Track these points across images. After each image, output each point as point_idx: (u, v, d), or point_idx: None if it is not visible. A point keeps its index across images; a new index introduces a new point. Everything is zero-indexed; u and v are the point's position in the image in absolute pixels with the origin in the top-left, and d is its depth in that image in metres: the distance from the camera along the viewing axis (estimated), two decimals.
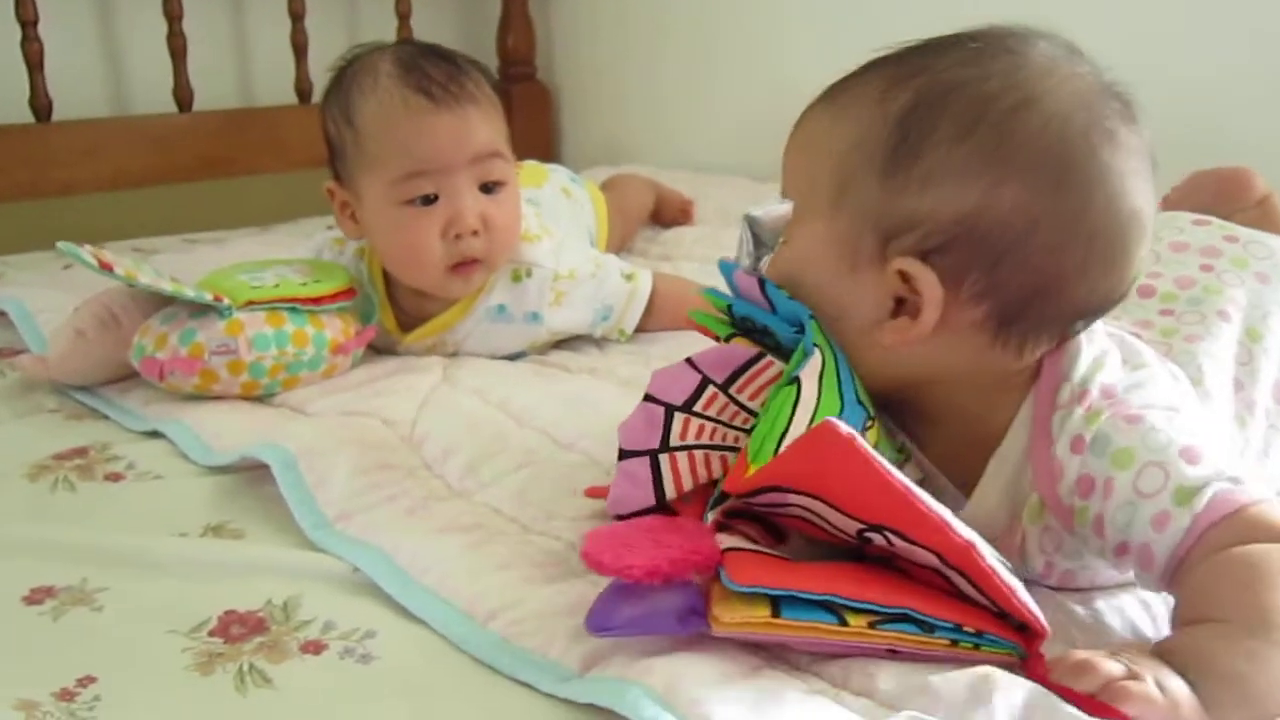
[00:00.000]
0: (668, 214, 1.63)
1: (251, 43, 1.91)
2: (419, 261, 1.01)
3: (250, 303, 0.96)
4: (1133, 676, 0.48)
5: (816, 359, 0.59)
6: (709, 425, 0.64)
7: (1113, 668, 0.49)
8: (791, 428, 0.57)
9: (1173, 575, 0.55)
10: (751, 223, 0.70)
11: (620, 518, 0.65)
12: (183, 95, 1.74)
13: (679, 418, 0.64)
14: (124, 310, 0.99)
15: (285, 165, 1.83)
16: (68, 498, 0.80)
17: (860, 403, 0.61)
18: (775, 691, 0.52)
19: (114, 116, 1.75)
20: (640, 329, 1.13)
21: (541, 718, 0.54)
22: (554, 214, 1.25)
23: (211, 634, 0.62)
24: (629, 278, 1.12)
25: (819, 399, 0.58)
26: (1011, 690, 0.49)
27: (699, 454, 0.64)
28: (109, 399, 0.98)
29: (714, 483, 0.63)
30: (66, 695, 0.57)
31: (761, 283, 0.65)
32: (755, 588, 0.52)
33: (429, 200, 0.99)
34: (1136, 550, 0.57)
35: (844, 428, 0.51)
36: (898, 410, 0.66)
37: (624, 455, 0.64)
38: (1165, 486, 0.56)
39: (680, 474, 0.63)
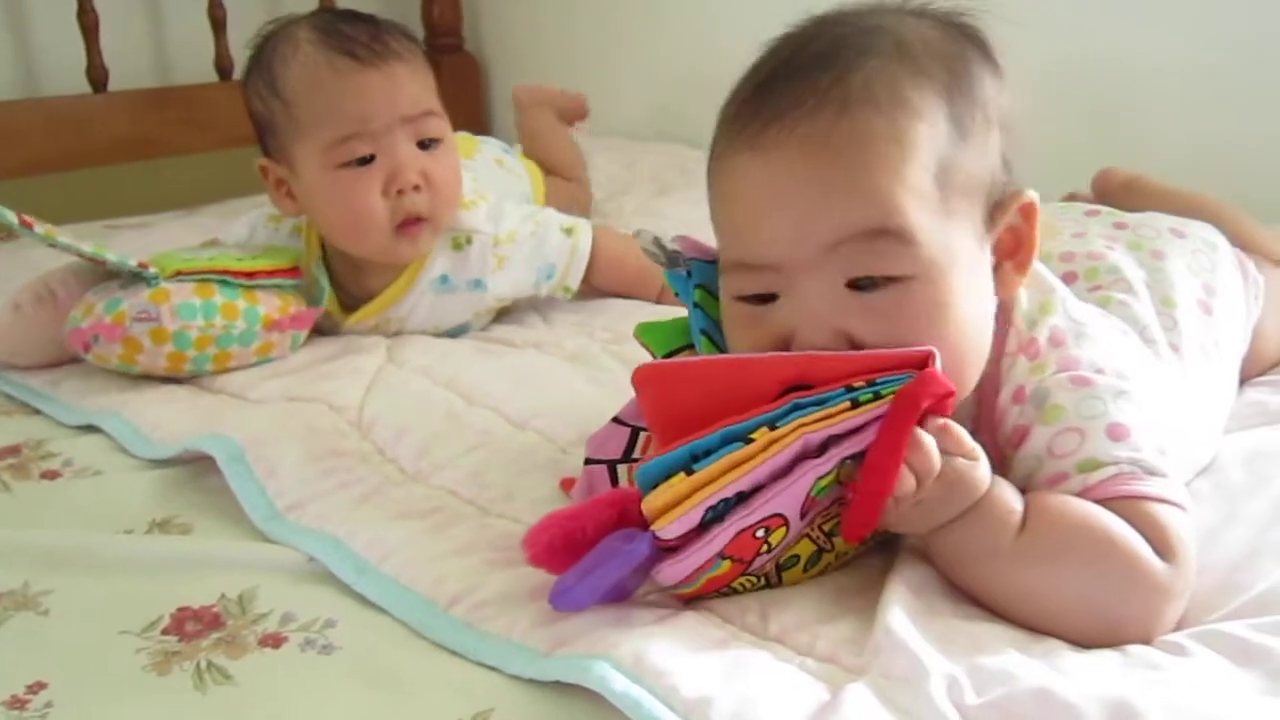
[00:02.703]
0: (564, 118, 1.60)
1: (167, 19, 1.85)
2: (363, 224, 0.99)
3: (179, 273, 0.94)
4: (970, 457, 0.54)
5: None
6: None
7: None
8: None
9: None
10: (644, 244, 0.70)
11: None
12: (97, 75, 1.68)
13: (623, 469, 0.65)
14: (62, 286, 0.97)
15: (208, 144, 1.78)
16: (2, 499, 0.78)
17: None
18: (741, 661, 0.52)
19: (24, 99, 1.69)
20: (590, 289, 1.12)
21: (510, 699, 0.54)
22: (488, 183, 1.24)
23: (165, 632, 0.61)
24: (569, 232, 1.11)
25: None
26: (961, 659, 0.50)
27: None
28: (39, 392, 0.95)
29: None
30: (17, 703, 0.55)
31: (690, 272, 0.66)
32: (656, 460, 0.52)
33: (366, 161, 0.98)
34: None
35: (647, 366, 0.54)
36: None
37: None
38: (1075, 452, 0.57)
39: None
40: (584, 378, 0.93)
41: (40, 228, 0.92)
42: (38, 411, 0.92)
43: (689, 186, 1.62)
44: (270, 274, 0.99)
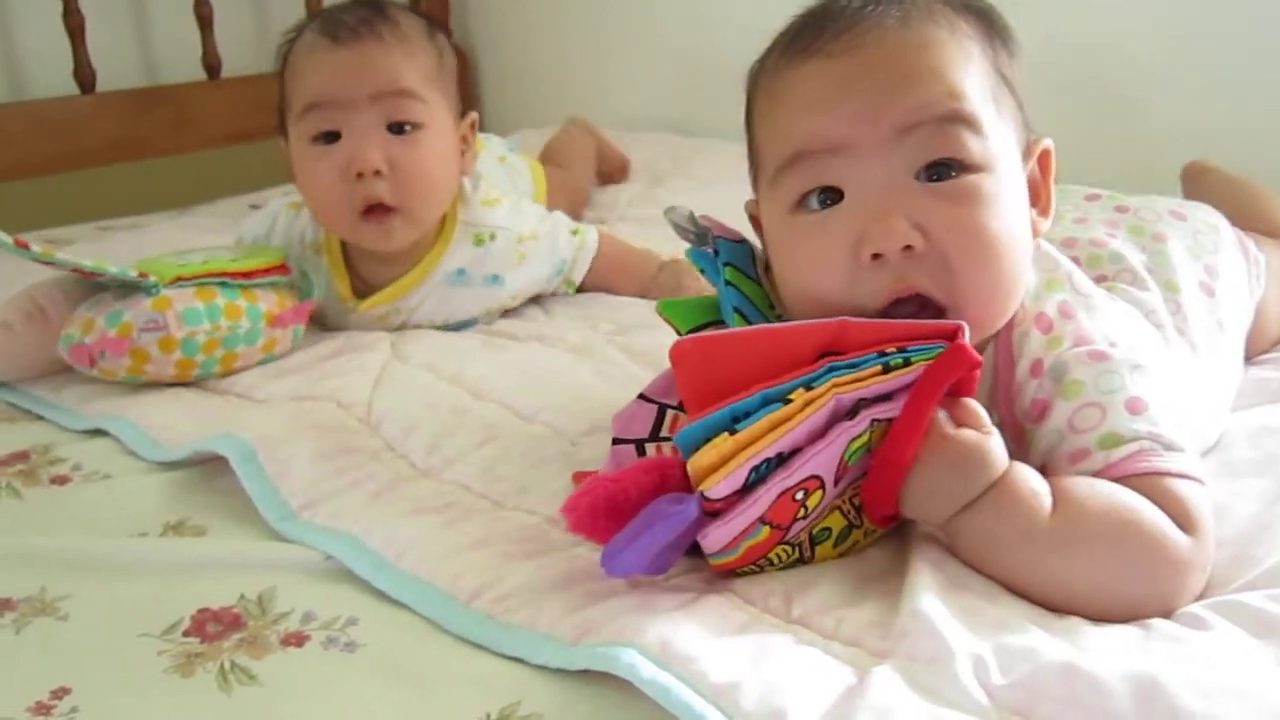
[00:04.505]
0: (605, 169, 1.63)
1: (153, 18, 1.83)
2: (325, 204, 1.00)
3: (178, 279, 0.94)
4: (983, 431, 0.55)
5: None
6: None
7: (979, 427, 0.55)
8: None
9: None
10: (676, 219, 0.71)
11: None
12: (84, 76, 1.67)
13: (650, 448, 0.65)
14: (51, 302, 0.95)
15: (197, 144, 1.78)
16: (13, 505, 0.77)
17: None
18: (767, 645, 0.53)
19: (11, 102, 1.67)
20: (581, 286, 1.14)
21: (537, 691, 0.54)
22: (491, 180, 1.24)
23: (186, 634, 0.61)
24: (575, 233, 1.14)
25: None
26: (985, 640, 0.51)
27: None
28: (42, 398, 0.94)
29: None
30: (42, 709, 0.55)
31: (717, 250, 0.67)
32: (698, 420, 0.53)
33: (331, 138, 0.98)
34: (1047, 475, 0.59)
35: (685, 340, 0.53)
36: None
37: None
38: (1096, 428, 0.58)
39: None
40: (589, 369, 0.93)
41: (37, 246, 0.91)
42: (41, 418, 0.92)
43: (682, 176, 1.62)
44: (265, 271, 0.99)
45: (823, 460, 0.54)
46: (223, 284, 0.95)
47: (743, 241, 0.69)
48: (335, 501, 0.72)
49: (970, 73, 0.60)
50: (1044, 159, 0.65)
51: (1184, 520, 0.54)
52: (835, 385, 0.53)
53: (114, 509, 0.76)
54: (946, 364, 0.53)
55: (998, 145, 0.59)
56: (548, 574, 0.61)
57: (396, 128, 0.98)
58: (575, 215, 1.50)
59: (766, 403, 0.53)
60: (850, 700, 0.48)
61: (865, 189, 0.58)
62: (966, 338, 0.54)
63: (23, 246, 0.90)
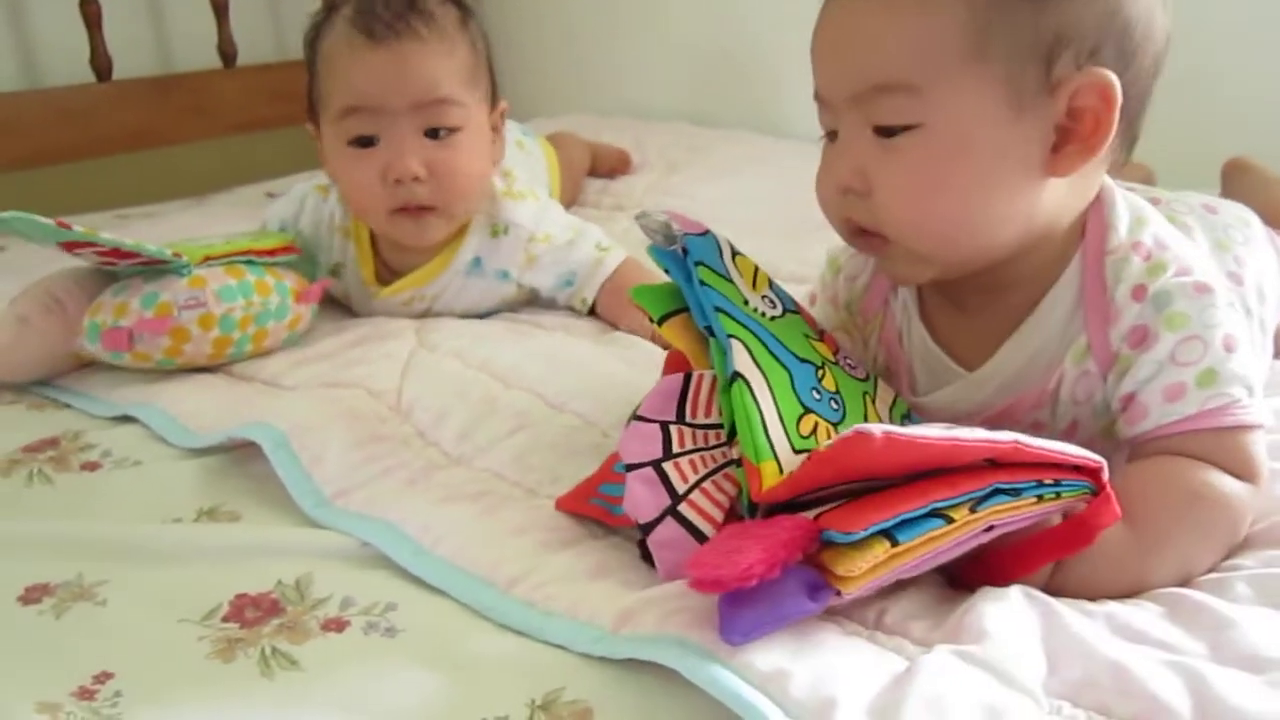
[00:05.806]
0: (605, 166, 1.62)
1: (169, 6, 1.83)
2: (363, 204, 1.01)
3: (207, 259, 0.94)
4: None
5: (738, 346, 0.61)
6: (696, 457, 0.64)
7: None
8: (765, 415, 0.58)
9: (1144, 443, 0.61)
10: (647, 224, 0.70)
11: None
12: (101, 64, 1.67)
13: (669, 465, 0.63)
14: (68, 294, 0.94)
15: (214, 132, 1.78)
16: (45, 491, 0.78)
17: (804, 359, 0.64)
18: (812, 636, 0.53)
19: (27, 90, 1.67)
20: (597, 311, 1.08)
21: (580, 677, 0.54)
22: (516, 164, 1.23)
23: (225, 619, 0.61)
24: (601, 249, 1.09)
25: (765, 376, 0.60)
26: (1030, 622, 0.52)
27: (709, 484, 0.62)
28: (68, 387, 0.94)
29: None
30: (86, 694, 0.55)
31: (685, 250, 0.66)
32: (872, 528, 0.51)
33: (368, 142, 0.98)
34: (1137, 404, 0.61)
35: (876, 430, 0.51)
36: (930, 297, 0.70)
37: (646, 529, 0.59)
38: (1198, 362, 0.60)
39: (708, 513, 0.61)
40: (615, 358, 0.93)
41: (78, 227, 0.90)
42: (68, 405, 0.92)
43: (698, 165, 1.62)
44: (285, 251, 1.01)
45: (945, 559, 0.54)
46: (249, 262, 0.96)
47: (706, 234, 0.68)
48: (369, 489, 0.72)
49: (930, 15, 0.59)
50: (1103, 94, 0.59)
51: (1245, 471, 0.58)
52: (995, 511, 0.53)
53: (146, 495, 0.76)
54: (1102, 514, 0.54)
55: (949, 97, 0.59)
56: (586, 562, 0.61)
57: (433, 132, 0.98)
58: (573, 194, 1.50)
59: (933, 515, 0.52)
60: (899, 687, 0.48)
61: (841, 137, 0.64)
62: (1106, 475, 0.55)
63: (64, 228, 0.90)
